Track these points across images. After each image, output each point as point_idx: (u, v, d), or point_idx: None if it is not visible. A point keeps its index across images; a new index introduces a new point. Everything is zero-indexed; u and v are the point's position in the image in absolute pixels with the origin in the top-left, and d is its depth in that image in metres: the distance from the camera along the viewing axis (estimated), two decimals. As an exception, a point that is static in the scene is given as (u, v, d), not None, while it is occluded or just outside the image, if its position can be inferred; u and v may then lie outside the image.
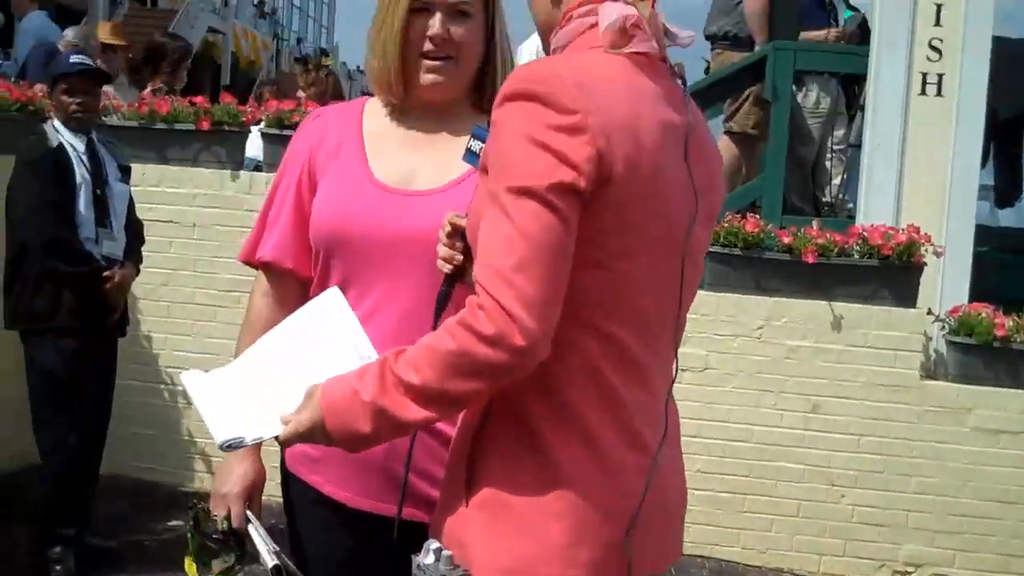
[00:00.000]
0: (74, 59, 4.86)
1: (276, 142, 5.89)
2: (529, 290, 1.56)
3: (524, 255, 1.57)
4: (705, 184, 1.74)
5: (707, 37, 7.26)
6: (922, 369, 5.44)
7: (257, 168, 6.30)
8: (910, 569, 5.46)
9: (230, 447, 1.94)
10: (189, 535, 2.31)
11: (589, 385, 1.67)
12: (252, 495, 2.31)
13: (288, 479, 2.34)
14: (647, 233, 1.66)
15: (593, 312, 1.65)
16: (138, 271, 4.94)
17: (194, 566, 2.31)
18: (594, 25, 1.71)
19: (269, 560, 2.19)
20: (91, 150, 4.72)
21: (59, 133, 4.65)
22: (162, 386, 5.99)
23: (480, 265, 1.62)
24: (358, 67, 30.76)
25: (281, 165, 2.39)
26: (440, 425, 2.08)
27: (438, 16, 2.20)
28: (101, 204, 4.70)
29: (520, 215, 1.58)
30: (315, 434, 1.76)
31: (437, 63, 2.22)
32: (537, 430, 1.66)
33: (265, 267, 2.35)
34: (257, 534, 2.26)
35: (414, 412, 1.64)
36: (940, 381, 5.46)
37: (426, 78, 2.23)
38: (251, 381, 2.04)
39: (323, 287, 2.23)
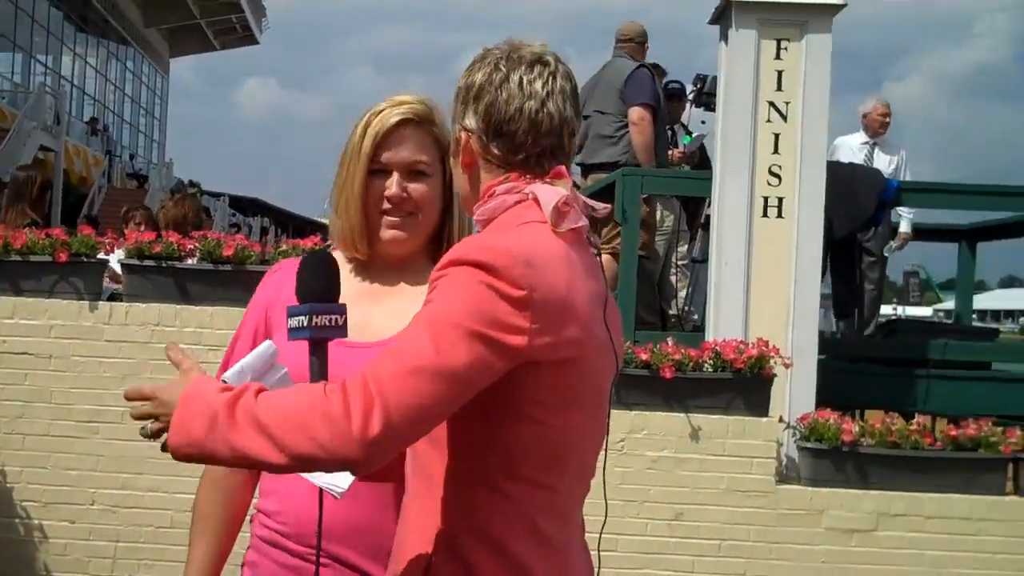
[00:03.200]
0: None
1: (135, 272, 5.90)
2: (399, 401, 1.64)
3: (415, 368, 1.66)
4: (619, 342, 1.90)
5: (588, 166, 7.54)
6: (776, 474, 5.70)
7: (113, 297, 6.27)
8: (776, 669, 5.65)
9: None
10: None
11: (525, 532, 1.78)
12: None
13: None
14: (580, 392, 1.80)
15: (531, 466, 1.77)
16: None
17: None
18: (520, 202, 1.85)
19: None
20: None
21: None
22: (17, 520, 5.83)
23: (376, 360, 1.69)
24: (190, 181, 30.57)
25: (243, 317, 2.44)
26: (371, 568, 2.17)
27: (395, 176, 2.29)
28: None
29: (437, 338, 1.67)
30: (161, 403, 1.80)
31: (397, 219, 2.30)
32: (478, 574, 1.76)
33: None
34: None
35: (242, 440, 1.68)
36: (794, 485, 5.72)
37: (387, 233, 2.31)
38: None
39: None
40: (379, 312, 2.30)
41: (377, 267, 2.36)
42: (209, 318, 5.81)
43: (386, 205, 2.29)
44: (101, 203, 26.08)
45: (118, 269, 6.21)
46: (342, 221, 2.34)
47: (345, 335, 2.01)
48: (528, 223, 1.83)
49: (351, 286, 2.32)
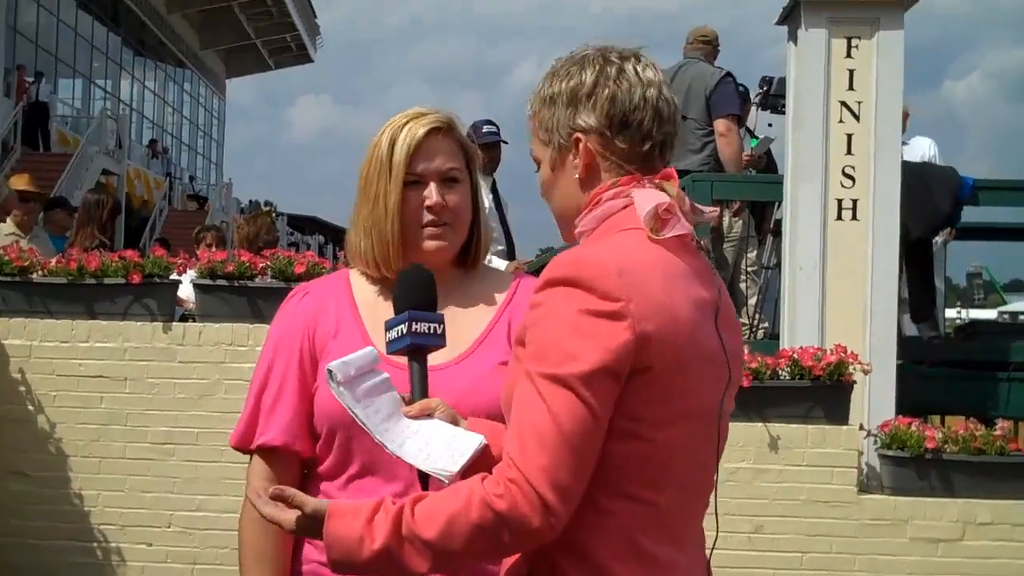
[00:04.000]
0: None
1: (208, 292, 5.92)
2: (563, 479, 1.64)
3: (556, 443, 1.64)
4: (735, 351, 1.84)
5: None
6: (858, 484, 5.59)
7: (185, 318, 6.30)
8: None
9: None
10: None
11: (624, 550, 1.73)
12: None
13: None
14: (683, 405, 1.75)
15: (631, 482, 1.72)
16: None
17: None
18: (625, 207, 1.81)
19: None
20: None
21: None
22: (95, 544, 5.86)
23: (512, 443, 1.68)
24: (265, 202, 30.90)
25: (269, 345, 2.35)
26: None
27: (433, 186, 2.26)
28: None
29: (556, 404, 1.66)
30: (309, 535, 1.85)
31: (439, 230, 2.27)
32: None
33: (267, 451, 2.30)
34: None
35: (419, 564, 1.70)
36: (876, 494, 5.61)
37: (429, 244, 2.27)
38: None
39: (343, 469, 2.24)
40: None
41: None
42: (281, 337, 5.79)
43: (427, 217, 2.26)
44: (163, 225, 26.40)
45: (191, 290, 6.24)
46: (372, 240, 2.29)
47: (444, 344, 2.00)
48: (628, 230, 1.79)
49: (386, 305, 2.23)
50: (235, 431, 2.37)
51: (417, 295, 2.02)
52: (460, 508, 1.67)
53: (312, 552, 2.28)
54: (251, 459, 2.35)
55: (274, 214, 8.44)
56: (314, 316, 2.31)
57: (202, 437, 5.78)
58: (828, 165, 5.79)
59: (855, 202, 5.80)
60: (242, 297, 5.90)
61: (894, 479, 5.55)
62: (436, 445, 1.93)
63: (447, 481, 1.87)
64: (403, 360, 2.03)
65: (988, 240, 9.52)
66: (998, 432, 5.52)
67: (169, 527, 5.76)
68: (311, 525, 1.78)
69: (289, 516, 1.81)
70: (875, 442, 5.65)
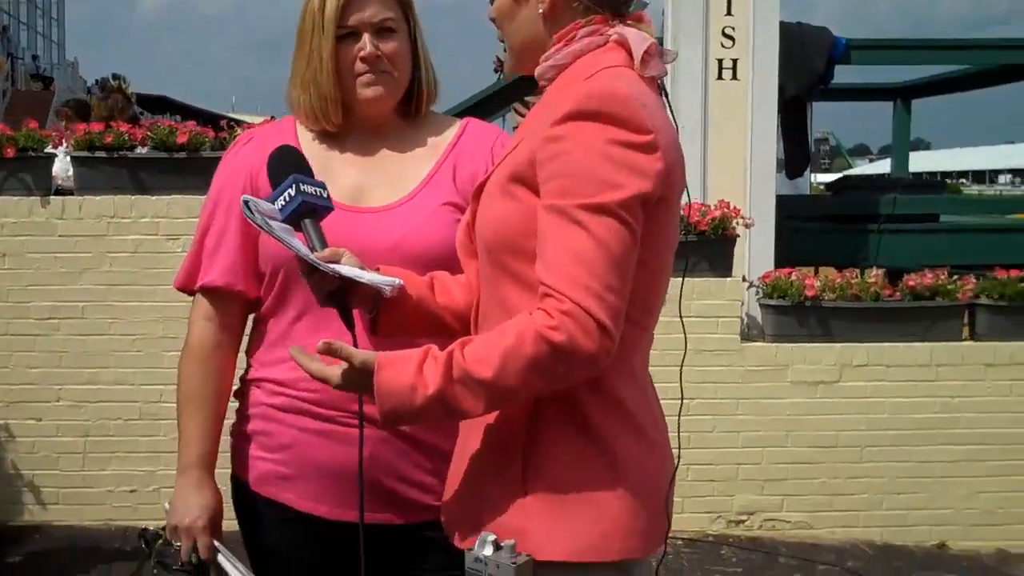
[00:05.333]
0: None
1: (86, 164, 5.77)
2: (615, 302, 1.67)
3: (606, 268, 1.67)
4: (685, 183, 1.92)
5: None
6: (741, 333, 5.82)
7: (61, 192, 6.13)
8: (743, 517, 5.85)
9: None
10: (152, 566, 2.28)
11: (626, 374, 1.81)
12: (216, 525, 2.29)
13: (251, 502, 2.31)
14: (672, 233, 1.84)
15: (634, 307, 1.77)
16: None
17: None
18: (601, 46, 1.83)
19: None
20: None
21: None
22: (-19, 421, 5.77)
23: (557, 275, 1.68)
24: (113, 75, 29.69)
25: (212, 189, 2.36)
26: (418, 432, 2.18)
27: (366, 37, 2.26)
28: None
29: (600, 229, 1.67)
30: (356, 390, 1.80)
31: (373, 77, 2.26)
32: (592, 421, 1.78)
33: (210, 292, 2.33)
34: (232, 567, 2.23)
35: (473, 405, 1.71)
36: (758, 342, 5.86)
37: (365, 92, 2.27)
38: None
39: (284, 310, 2.26)
40: (371, 179, 2.29)
41: (354, 136, 2.32)
42: (166, 207, 5.71)
43: (360, 67, 2.26)
44: (7, 107, 25.31)
45: (64, 166, 6.06)
46: (311, 94, 2.28)
47: (331, 209, 1.99)
48: (614, 67, 1.80)
49: (332, 155, 2.30)
50: (179, 273, 2.39)
51: (291, 164, 2.00)
52: (513, 344, 1.67)
53: (260, 395, 2.31)
54: (194, 300, 2.37)
55: (127, 89, 8.06)
56: (258, 160, 2.29)
57: (88, 310, 5.69)
58: (708, 26, 5.88)
59: (735, 62, 5.92)
60: (122, 169, 5.75)
61: (775, 327, 5.79)
62: (364, 274, 1.93)
63: (389, 292, 1.90)
64: None
65: (848, 101, 9.78)
66: (872, 279, 5.80)
67: (59, 401, 5.69)
68: (360, 378, 1.76)
69: (335, 371, 1.79)
70: (757, 293, 5.88)
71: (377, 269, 1.98)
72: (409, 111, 2.36)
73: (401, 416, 1.75)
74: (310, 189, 1.95)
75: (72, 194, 5.83)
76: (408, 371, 1.71)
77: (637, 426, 1.82)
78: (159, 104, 41.11)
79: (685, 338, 2.03)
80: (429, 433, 2.20)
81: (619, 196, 1.68)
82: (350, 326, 1.92)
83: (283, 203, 1.95)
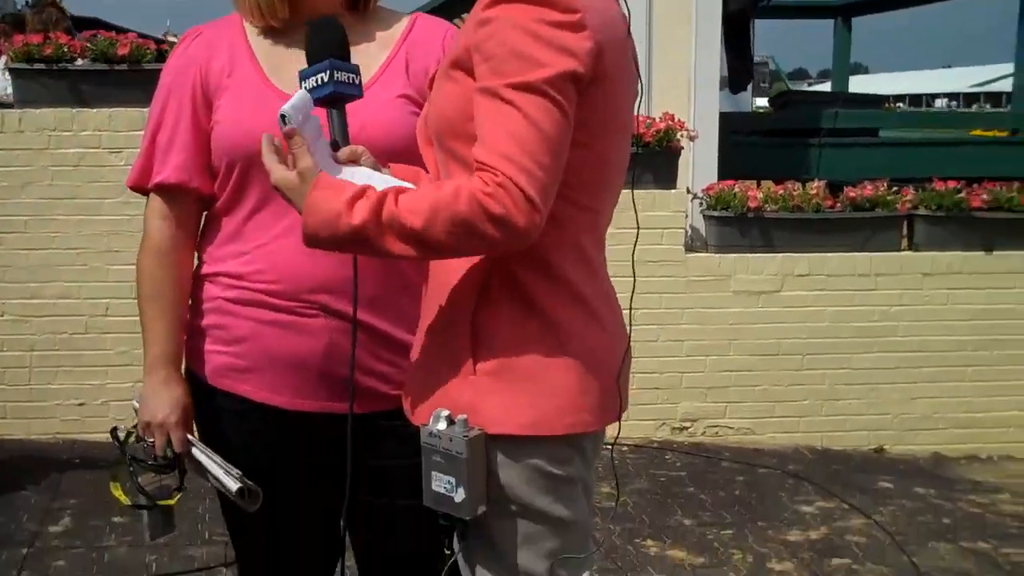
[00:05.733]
0: None
1: (25, 77, 5.69)
2: (543, 178, 1.69)
3: (537, 146, 1.68)
4: (637, 69, 1.94)
5: None
6: (684, 243, 5.90)
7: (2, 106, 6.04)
8: (687, 424, 5.97)
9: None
10: (125, 462, 2.28)
11: (573, 255, 1.84)
12: (188, 420, 2.29)
13: (208, 396, 2.31)
14: (618, 116, 1.84)
15: (576, 189, 1.80)
16: None
17: (121, 491, 2.30)
18: None
19: (230, 483, 2.19)
20: None
21: None
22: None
23: (490, 151, 1.70)
24: (28, -4, 28.94)
25: (161, 89, 2.32)
26: (378, 324, 2.21)
27: None
28: None
29: (530, 108, 1.69)
30: (290, 200, 1.84)
31: None
32: (535, 297, 1.82)
33: (164, 189, 2.30)
34: (208, 458, 2.24)
35: (396, 247, 1.73)
36: (701, 253, 5.94)
37: None
38: None
39: (239, 204, 2.25)
40: None
41: (301, 31, 2.19)
42: (108, 120, 5.65)
43: None
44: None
45: (6, 78, 5.96)
46: None
47: (361, 95, 1.98)
48: None
49: (279, 50, 2.26)
50: (131, 172, 2.36)
51: (334, 45, 1.98)
52: (448, 199, 1.70)
53: (214, 289, 2.32)
54: (149, 199, 2.36)
55: (60, 1, 7.84)
56: (207, 54, 2.28)
57: (31, 225, 5.64)
58: (650, -65, 5.88)
59: (679, -26, 5.92)
60: (62, 81, 5.67)
61: (718, 238, 5.88)
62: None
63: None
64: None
65: (789, 19, 9.82)
66: (814, 191, 5.89)
67: (2, 316, 5.65)
68: (296, 185, 1.80)
69: (280, 168, 1.84)
70: (700, 204, 5.95)
71: (387, 168, 2.01)
72: (357, 5, 2.33)
73: (321, 238, 1.77)
74: (343, 77, 1.94)
75: (12, 108, 5.75)
76: (341, 199, 1.74)
77: (583, 302, 1.85)
78: (93, 26, 40.28)
79: (634, 250, 2.04)
80: (388, 324, 2.23)
81: (546, 74, 1.69)
82: None
83: (314, 85, 1.94)
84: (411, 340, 2.05)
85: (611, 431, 1.94)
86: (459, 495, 1.78)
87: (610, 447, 2.04)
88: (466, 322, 1.85)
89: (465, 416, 1.79)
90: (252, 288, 2.25)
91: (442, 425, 1.79)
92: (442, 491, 1.80)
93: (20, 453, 5.41)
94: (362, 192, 1.76)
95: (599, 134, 1.81)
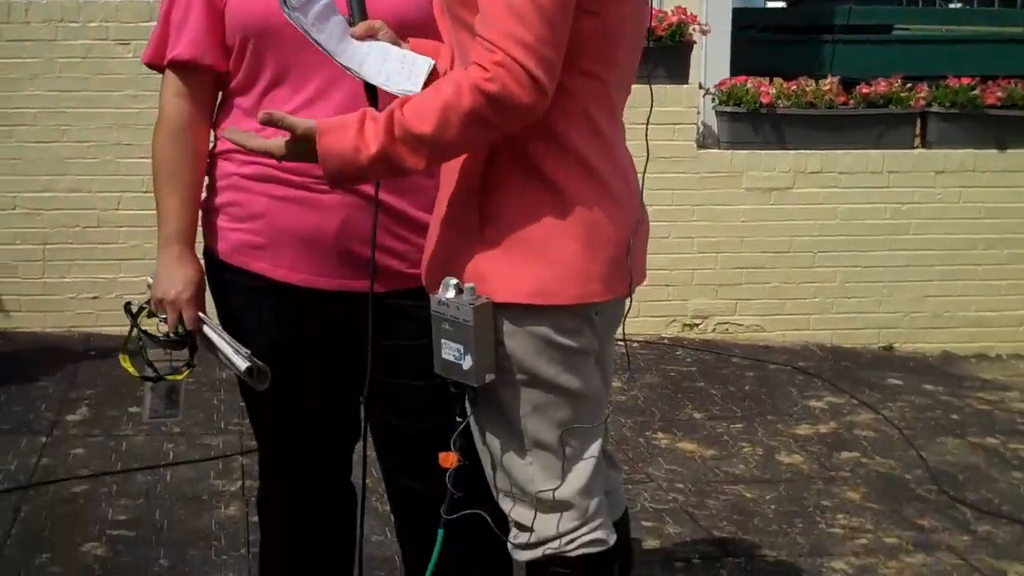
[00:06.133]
0: None
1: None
2: (547, 53, 1.70)
3: (536, 19, 1.68)
4: None
5: None
6: (696, 139, 5.87)
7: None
8: (697, 321, 6.00)
9: None
10: (136, 336, 2.29)
11: (583, 125, 1.84)
12: (200, 297, 2.31)
13: (223, 274, 2.33)
14: None
15: (587, 58, 1.80)
16: None
17: (132, 365, 2.32)
18: None
19: (239, 361, 2.21)
20: None
21: None
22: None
23: (490, 27, 1.71)
24: None
25: None
26: (394, 201, 2.20)
27: None
28: None
29: None
30: (300, 159, 1.86)
31: None
32: (543, 168, 1.82)
33: (179, 66, 2.30)
34: (219, 336, 2.26)
35: (415, 161, 1.75)
36: (713, 149, 5.91)
37: None
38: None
39: (254, 81, 2.24)
40: None
41: None
42: (115, 11, 5.59)
43: None
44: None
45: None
46: None
47: None
48: None
49: None
50: (147, 49, 2.36)
51: None
52: (451, 98, 1.71)
53: (229, 166, 2.32)
54: (164, 77, 2.35)
55: None
56: None
57: (40, 117, 5.61)
58: None
59: None
60: (68, -29, 5.62)
61: (730, 134, 5.85)
62: (391, 66, 1.97)
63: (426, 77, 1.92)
64: None
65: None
66: (827, 87, 5.84)
67: (15, 209, 5.65)
68: (302, 147, 1.80)
69: (278, 143, 1.84)
70: (713, 100, 5.91)
71: (406, 42, 1.99)
72: None
73: (347, 176, 1.80)
74: None
75: (17, -3, 5.69)
76: (349, 134, 1.75)
77: (592, 173, 1.84)
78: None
79: (647, 145, 2.02)
80: (404, 202, 2.23)
81: None
82: (374, 103, 1.95)
83: None
84: (427, 219, 2.06)
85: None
86: (467, 363, 1.80)
87: (622, 342, 2.05)
88: (474, 193, 1.86)
89: (472, 284, 1.81)
90: (267, 164, 2.24)
91: (451, 293, 1.82)
92: (451, 359, 1.83)
93: (36, 345, 5.46)
94: (364, 115, 1.77)
95: (608, 2, 1.79)
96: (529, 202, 1.83)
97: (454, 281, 1.82)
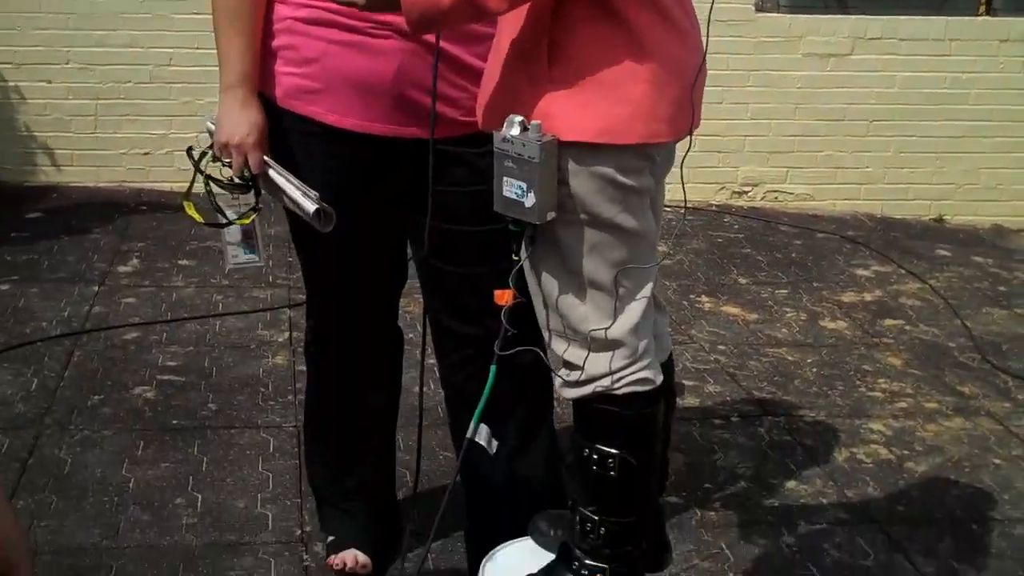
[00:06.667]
0: None
1: None
2: None
3: None
4: None
5: None
6: (755, 2, 5.75)
7: None
8: (747, 188, 5.96)
9: None
10: (201, 182, 2.32)
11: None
12: (264, 141, 2.31)
13: (278, 119, 2.32)
14: None
15: None
16: None
17: (195, 211, 2.33)
18: None
19: (307, 203, 2.22)
20: None
21: None
22: (-12, 85, 5.77)
23: None
24: None
25: None
26: (450, 48, 2.19)
27: None
28: None
29: None
30: (383, 9, 1.86)
31: None
32: (616, 5, 1.79)
33: None
34: (285, 179, 2.27)
35: (497, 1, 1.73)
36: (772, 13, 5.79)
37: None
38: None
39: None
40: None
41: None
42: None
43: None
44: None
45: None
46: None
47: None
48: None
49: None
50: None
51: None
52: None
53: (285, 9, 2.31)
54: None
55: None
56: None
57: (94, -29, 5.60)
58: None
59: None
60: None
61: (790, -2, 5.73)
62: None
63: None
64: None
65: None
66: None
67: (68, 64, 5.66)
68: None
69: None
70: (772, -38, 5.77)
71: None
72: None
73: (432, 19, 1.78)
74: None
75: None
76: None
77: (662, 10, 1.82)
78: None
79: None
80: (461, 49, 2.22)
81: None
82: None
83: None
84: (482, 66, 2.04)
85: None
86: (529, 200, 1.80)
87: (678, 203, 2.03)
88: (544, 33, 1.84)
89: (539, 122, 1.80)
90: (323, 7, 2.23)
91: (515, 131, 1.80)
92: (513, 196, 1.81)
93: (88, 199, 5.52)
94: None
95: None
96: (599, 40, 1.81)
97: (519, 119, 1.80)
